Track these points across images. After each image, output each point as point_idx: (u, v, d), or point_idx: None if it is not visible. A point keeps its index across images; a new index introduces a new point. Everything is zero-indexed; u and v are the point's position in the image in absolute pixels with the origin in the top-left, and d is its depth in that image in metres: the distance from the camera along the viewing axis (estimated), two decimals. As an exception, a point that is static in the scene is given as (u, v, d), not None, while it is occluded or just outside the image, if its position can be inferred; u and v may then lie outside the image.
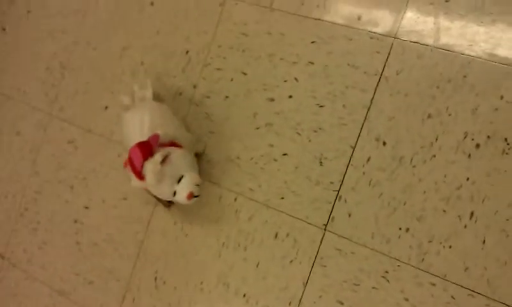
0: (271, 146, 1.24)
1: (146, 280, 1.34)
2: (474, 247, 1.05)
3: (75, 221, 1.45)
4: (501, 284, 1.02)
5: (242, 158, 1.27)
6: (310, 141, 1.21)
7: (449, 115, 1.09)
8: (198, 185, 1.12)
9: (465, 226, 1.06)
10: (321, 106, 1.20)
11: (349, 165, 1.16)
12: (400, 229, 1.11)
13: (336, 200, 1.17)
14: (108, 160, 1.42)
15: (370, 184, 1.14)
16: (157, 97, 1.30)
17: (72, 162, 1.48)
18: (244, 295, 1.22)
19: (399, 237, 1.10)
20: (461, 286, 1.05)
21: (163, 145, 1.14)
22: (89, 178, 1.45)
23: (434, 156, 1.10)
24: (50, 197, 1.50)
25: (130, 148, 1.12)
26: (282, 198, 1.22)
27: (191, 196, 1.11)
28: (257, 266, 1.22)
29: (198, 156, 1.27)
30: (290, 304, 1.18)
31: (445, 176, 1.09)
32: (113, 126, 1.42)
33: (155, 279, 1.33)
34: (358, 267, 1.13)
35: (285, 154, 1.23)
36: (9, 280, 1.52)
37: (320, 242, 1.17)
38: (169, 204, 1.27)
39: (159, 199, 1.20)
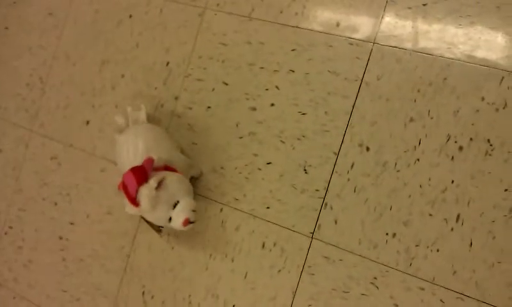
0: (255, 155, 1.23)
1: (133, 295, 1.32)
2: (461, 250, 1.05)
3: (60, 238, 1.43)
4: (489, 286, 1.02)
5: (226, 168, 1.25)
6: (293, 148, 1.20)
7: (431, 118, 1.09)
8: (194, 210, 1.09)
9: (452, 229, 1.06)
10: (303, 113, 1.19)
11: (334, 172, 1.15)
12: (387, 234, 1.10)
13: (322, 207, 1.16)
14: (91, 175, 1.40)
15: (355, 190, 1.13)
16: (151, 119, 1.29)
17: (55, 178, 1.45)
18: (234, 306, 1.21)
19: (386, 242, 1.10)
20: (450, 290, 1.04)
21: (158, 169, 1.11)
22: (73, 194, 1.43)
23: (418, 160, 1.09)
24: (34, 214, 1.47)
25: (124, 172, 1.10)
26: (268, 207, 1.21)
27: (187, 222, 1.07)
28: (245, 277, 1.21)
29: (193, 180, 1.25)
30: (279, 314, 1.16)
31: (429, 179, 1.08)
32: (95, 141, 1.40)
33: (143, 293, 1.31)
34: (346, 274, 1.12)
35: (269, 163, 1.22)
36: (-5, 300, 1.49)
37: (308, 250, 1.16)
38: (160, 229, 1.24)
39: (150, 224, 1.18)
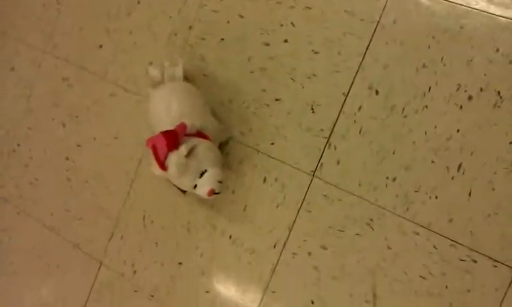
0: (264, 90, 1.24)
1: (134, 218, 1.35)
2: (460, 198, 1.06)
3: (67, 158, 1.46)
4: (484, 236, 1.03)
5: (235, 102, 1.26)
6: (303, 87, 1.20)
7: (444, 65, 1.09)
8: (220, 181, 1.08)
9: (452, 178, 1.06)
10: (316, 52, 1.19)
11: (341, 113, 1.16)
12: (387, 178, 1.11)
13: (326, 147, 1.17)
14: (101, 98, 1.42)
15: (360, 132, 1.14)
16: (187, 77, 1.26)
17: (65, 99, 1.47)
18: (230, 237, 1.24)
19: (386, 186, 1.11)
20: (444, 237, 1.06)
21: (189, 135, 1.10)
22: (82, 117, 1.45)
23: (426, 106, 1.09)
24: (43, 134, 1.50)
25: (154, 134, 1.09)
26: (272, 143, 1.22)
27: (212, 193, 1.07)
28: (244, 209, 1.23)
29: (222, 146, 1.25)
30: (274, 246, 1.19)
31: (435, 126, 1.08)
32: (107, 66, 1.42)
33: (144, 217, 1.34)
34: (343, 214, 1.14)
35: (277, 99, 1.22)
36: (0, 214, 1.53)
37: (308, 188, 1.17)
38: (185, 192, 1.25)
39: (176, 186, 1.17)
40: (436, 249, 1.06)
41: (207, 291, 1.25)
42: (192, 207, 1.28)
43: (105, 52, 1.42)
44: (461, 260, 1.04)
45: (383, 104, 1.13)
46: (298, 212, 1.18)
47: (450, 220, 1.06)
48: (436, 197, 1.07)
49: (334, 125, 1.16)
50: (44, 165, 1.49)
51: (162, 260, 1.31)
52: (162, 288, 1.30)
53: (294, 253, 1.17)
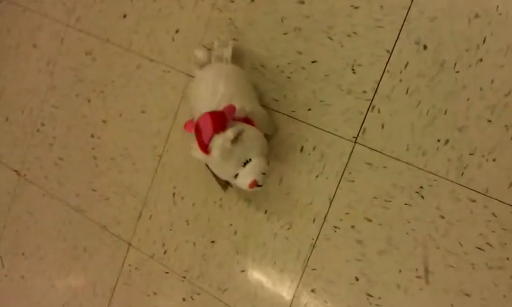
0: (299, 53, 1.15)
1: (163, 196, 1.28)
2: (521, 160, 0.95)
3: (92, 136, 1.39)
4: (550, 200, 0.92)
5: (267, 66, 1.18)
6: (342, 46, 1.11)
7: (499, 14, 0.98)
8: (264, 173, 0.98)
9: (512, 137, 0.96)
10: (356, 7, 1.10)
11: (385, 72, 1.06)
12: (438, 140, 1.01)
13: (369, 110, 1.07)
14: (126, 71, 1.35)
15: (407, 92, 1.04)
16: (235, 60, 1.15)
17: (89, 74, 1.41)
18: (266, 212, 1.16)
19: (437, 149, 1.01)
20: (504, 203, 0.95)
21: (236, 119, 1.00)
22: (107, 91, 1.38)
23: (481, 60, 0.99)
24: (67, 111, 1.44)
25: (199, 115, 0.99)
26: (309, 109, 1.13)
27: (254, 184, 0.97)
28: (280, 181, 1.15)
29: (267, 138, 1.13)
30: (314, 221, 1.10)
31: (491, 81, 0.98)
32: (132, 36, 1.35)
33: (173, 194, 1.27)
34: (389, 182, 1.05)
35: (314, 61, 1.13)
36: (25, 197, 1.48)
37: (350, 156, 1.08)
38: (226, 185, 1.13)
39: (215, 176, 1.07)
40: (495, 216, 0.96)
41: (242, 271, 1.17)
42: (225, 180, 1.20)
43: (129, 22, 1.36)
44: (525, 228, 0.94)
45: (432, 60, 1.03)
46: (339, 182, 1.08)
47: (511, 185, 0.95)
48: (494, 160, 0.97)
49: (377, 86, 1.06)
50: (69, 144, 1.43)
51: (193, 239, 1.23)
52: (195, 268, 1.22)
53: (335, 227, 1.08)
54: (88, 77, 1.42)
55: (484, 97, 0.99)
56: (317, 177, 1.11)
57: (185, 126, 1.05)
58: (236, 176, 0.97)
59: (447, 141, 1.01)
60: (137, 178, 1.32)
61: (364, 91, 1.08)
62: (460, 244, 0.98)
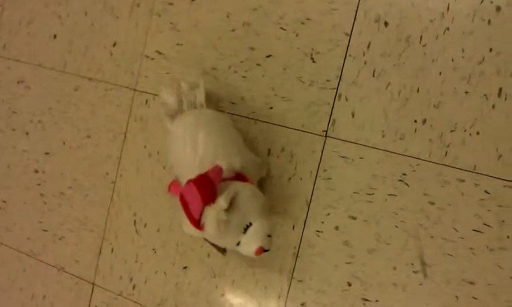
0: (252, 49, 0.99)
1: (124, 226, 1.10)
2: (506, 129, 0.83)
3: (36, 171, 1.19)
4: (543, 168, 0.80)
5: (219, 68, 1.02)
6: (297, 35, 0.96)
7: (462, -23, 0.85)
8: (269, 235, 0.80)
9: (493, 106, 0.84)
10: (306, -9, 0.95)
11: (347, 57, 0.93)
12: (415, 121, 0.88)
13: (336, 99, 0.93)
14: (64, 95, 1.16)
15: (374, 75, 0.91)
16: (209, 100, 0.98)
17: (24, 104, 1.21)
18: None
19: (415, 131, 0.88)
20: (496, 178, 0.83)
21: (226, 179, 0.83)
22: (46, 120, 1.19)
23: (448, 29, 0.87)
24: (5, 149, 1.24)
25: (181, 178, 0.85)
26: (271, 108, 0.98)
27: (261, 251, 0.79)
28: (250, 190, 0.98)
29: (260, 182, 0.97)
30: (293, 228, 0.96)
31: (462, 50, 0.86)
32: (65, 56, 1.16)
33: (134, 222, 1.09)
34: (369, 174, 0.91)
35: (269, 56, 0.98)
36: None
37: (322, 152, 0.94)
38: (224, 250, 0.94)
39: (213, 244, 0.88)
40: (488, 193, 0.83)
41: (222, 294, 1.01)
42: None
43: (61, 42, 1.17)
44: (521, 201, 0.82)
45: (396, 37, 0.90)
46: (315, 182, 0.94)
47: (500, 157, 0.83)
48: (478, 133, 0.84)
49: (341, 72, 0.93)
50: (11, 184, 1.22)
51: (164, 268, 1.06)
52: (169, 299, 1.05)
53: (317, 231, 0.94)
54: (22, 107, 1.22)
55: (457, 68, 0.86)
56: (289, 180, 0.96)
57: (169, 188, 0.87)
58: (238, 243, 0.80)
59: (424, 121, 0.88)
60: (92, 210, 1.13)
61: (327, 80, 0.94)
62: (455, 229, 0.85)
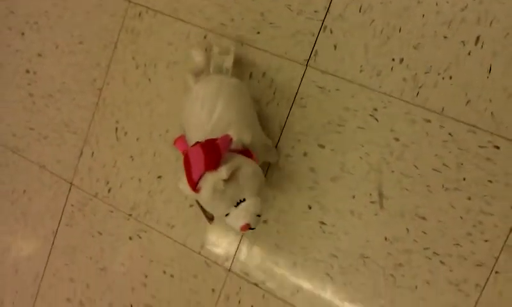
0: (247, -28, 1.00)
1: (105, 132, 1.12)
2: (478, 76, 0.85)
3: (28, 71, 1.21)
4: (506, 118, 0.83)
5: (213, -12, 1.02)
6: (291, -37, 0.96)
7: None
8: (259, 215, 0.81)
9: (469, 53, 0.86)
10: None
11: (337, -10, 0.93)
12: (393, 60, 0.90)
13: (321, 31, 0.95)
14: (61, 0, 1.16)
15: (360, 10, 0.92)
16: (235, 67, 0.97)
17: (21, 5, 1.22)
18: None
19: (392, 69, 0.90)
20: (461, 122, 0.86)
21: (232, 151, 0.82)
22: (42, 22, 1.20)
23: (437, -27, 0.87)
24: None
25: (190, 136, 0.86)
26: (258, 33, 0.99)
27: (247, 227, 0.80)
28: (229, 110, 1.00)
29: (263, 168, 0.97)
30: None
31: (448, -4, 0.86)
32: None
33: (116, 129, 1.11)
34: (342, 106, 0.93)
35: (262, -19, 0.99)
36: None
37: (301, 80, 0.96)
38: (213, 217, 0.91)
39: (203, 209, 0.86)
40: (452, 136, 0.86)
41: (191, 206, 1.04)
42: (170, 113, 1.07)
43: None
44: (481, 147, 0.85)
45: (386, -25, 0.90)
46: (291, 108, 0.96)
47: (468, 103, 0.85)
48: (450, 78, 0.86)
49: (329, 5, 0.94)
50: (2, 82, 1.24)
51: (139, 175, 1.09)
52: (141, 205, 1.09)
53: (287, 155, 0.97)
54: (20, 8, 1.23)
55: (440, 12, 0.88)
56: (267, 104, 0.98)
57: (174, 142, 0.89)
58: (227, 215, 0.81)
59: (401, 60, 0.90)
60: (77, 114, 1.16)
61: (315, 11, 0.95)
62: (415, 166, 0.88)
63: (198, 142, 0.81)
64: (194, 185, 0.78)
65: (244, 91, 0.91)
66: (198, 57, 0.93)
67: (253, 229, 0.81)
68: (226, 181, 0.76)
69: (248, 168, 0.80)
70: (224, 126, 0.84)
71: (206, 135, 0.83)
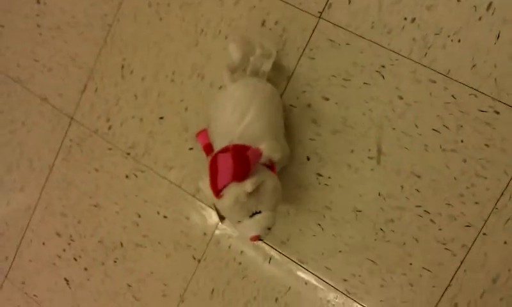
0: None
1: (111, 68, 1.14)
2: (486, 42, 0.88)
3: (38, 2, 1.23)
4: (509, 84, 0.86)
5: None
6: None
7: None
8: (269, 228, 0.83)
9: (480, 18, 0.88)
10: None
11: None
12: (405, 19, 0.92)
13: (336, -16, 0.96)
14: None
15: (377, -33, 0.94)
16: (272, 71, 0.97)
17: None
18: (221, 87, 1.04)
19: (403, 28, 0.92)
20: (464, 85, 0.88)
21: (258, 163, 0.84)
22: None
23: None
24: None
25: (215, 135, 0.87)
26: (274, -18, 1.01)
27: (256, 239, 0.82)
28: (237, 56, 1.02)
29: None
30: (269, 97, 0.99)
31: (465, -40, 0.89)
32: None
33: (122, 67, 1.13)
34: (351, 61, 0.96)
35: None
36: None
37: (312, 31, 0.98)
38: (224, 218, 0.91)
39: (217, 210, 0.86)
40: (454, 98, 0.89)
41: (190, 149, 1.07)
42: (179, 54, 1.09)
43: None
44: (482, 111, 0.88)
45: None
46: (299, 59, 0.99)
47: (473, 67, 0.88)
48: (459, 41, 0.89)
49: (347, -41, 0.96)
50: (11, 10, 1.25)
51: (141, 115, 1.11)
52: (140, 145, 1.11)
53: (291, 105, 0.99)
54: None
55: (455, -24, 0.90)
56: (277, 52, 1.00)
57: (197, 134, 0.91)
58: (239, 222, 0.83)
59: (413, 19, 0.92)
60: (84, 48, 1.17)
61: (332, -35, 0.97)
62: (416, 125, 0.91)
63: (227, 148, 0.82)
64: (217, 192, 0.80)
65: (277, 99, 0.92)
66: (235, 54, 0.91)
67: (261, 240, 0.85)
68: (249, 194, 0.78)
69: (271, 183, 0.82)
70: (253, 134, 0.85)
71: (233, 138, 0.84)
